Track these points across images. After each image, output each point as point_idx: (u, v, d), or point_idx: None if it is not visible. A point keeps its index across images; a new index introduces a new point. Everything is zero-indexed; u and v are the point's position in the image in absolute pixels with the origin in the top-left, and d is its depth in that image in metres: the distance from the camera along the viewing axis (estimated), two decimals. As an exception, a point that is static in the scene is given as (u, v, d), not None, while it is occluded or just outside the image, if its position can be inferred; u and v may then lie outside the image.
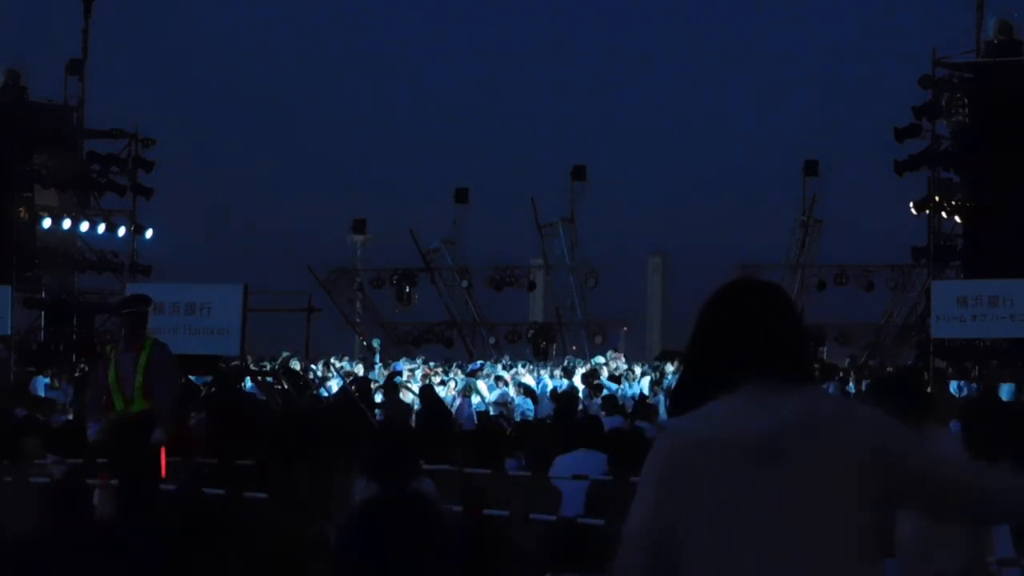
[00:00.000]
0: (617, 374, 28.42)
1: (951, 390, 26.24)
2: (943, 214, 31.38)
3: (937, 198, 30.97)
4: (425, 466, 8.66)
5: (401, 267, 39.39)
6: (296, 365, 27.12)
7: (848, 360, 33.26)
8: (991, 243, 29.39)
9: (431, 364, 32.10)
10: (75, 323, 34.04)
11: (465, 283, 39.16)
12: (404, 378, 26.50)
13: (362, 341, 40.14)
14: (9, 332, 28.71)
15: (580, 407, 20.01)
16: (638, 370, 30.08)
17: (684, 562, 3.42)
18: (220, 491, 10.79)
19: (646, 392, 26.32)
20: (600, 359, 30.75)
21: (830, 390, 20.86)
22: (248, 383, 23.85)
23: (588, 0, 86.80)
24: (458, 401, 24.30)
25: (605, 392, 22.87)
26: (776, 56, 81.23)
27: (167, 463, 11.96)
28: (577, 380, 27.13)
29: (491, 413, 23.06)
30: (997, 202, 29.68)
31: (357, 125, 76.62)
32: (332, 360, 31.94)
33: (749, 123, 79.01)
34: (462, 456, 10.89)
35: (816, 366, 24.70)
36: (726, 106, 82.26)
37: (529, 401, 24.93)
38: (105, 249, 34.26)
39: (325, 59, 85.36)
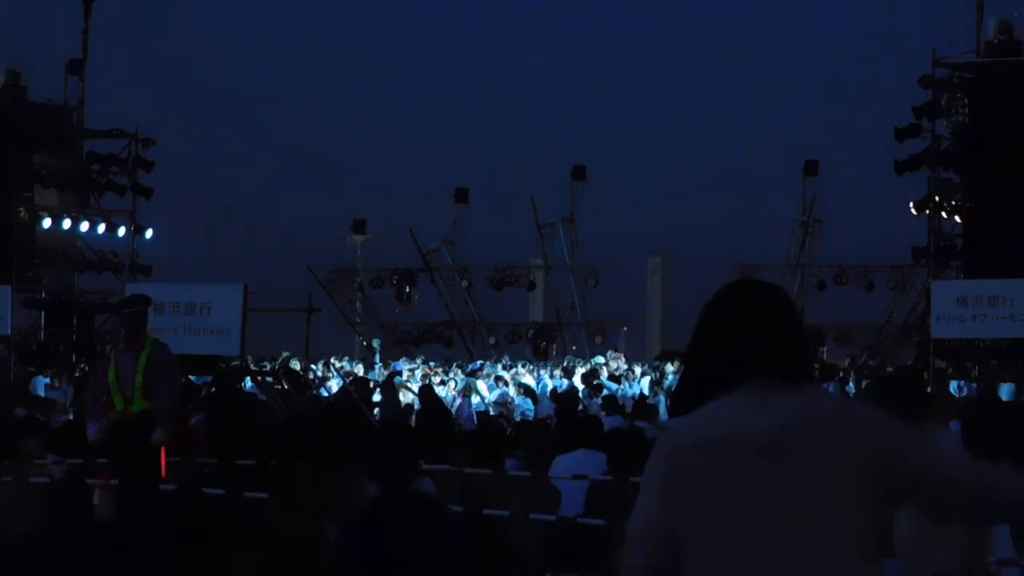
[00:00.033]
0: (617, 374, 28.42)
1: (951, 390, 26.24)
2: (943, 214, 31.37)
3: (937, 198, 30.97)
4: (425, 466, 8.66)
5: (401, 267, 39.38)
6: (296, 365, 27.13)
7: (848, 360, 33.26)
8: (991, 243, 29.38)
9: (431, 364, 32.10)
10: (75, 323, 34.04)
11: (465, 283, 39.16)
12: (404, 378, 26.50)
13: (362, 341, 40.14)
14: (9, 332, 28.72)
15: (580, 407, 20.01)
16: (638, 370, 30.08)
17: (687, 562, 3.42)
18: (220, 491, 10.79)
19: (646, 392, 26.32)
20: (600, 359, 30.75)
21: (830, 390, 20.87)
22: (248, 383, 23.86)
23: (588, 0, 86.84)
24: (458, 401, 24.31)
25: (605, 392, 22.88)
26: (776, 56, 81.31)
27: (167, 463, 11.96)
28: (577, 380, 27.12)
29: (491, 413, 23.06)
30: (997, 202, 29.67)
31: (357, 125, 76.68)
32: (332, 360, 31.94)
33: (749, 123, 79.07)
34: (462, 456, 10.89)
35: (816, 366, 24.73)
36: (726, 106, 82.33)
37: (529, 401, 24.94)
38: (105, 249, 34.26)
39: (325, 59, 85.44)
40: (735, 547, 3.39)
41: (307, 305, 25.35)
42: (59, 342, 33.28)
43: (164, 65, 74.03)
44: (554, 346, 38.32)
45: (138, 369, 11.99)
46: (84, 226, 33.14)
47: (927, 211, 31.23)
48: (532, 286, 39.83)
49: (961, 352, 28.62)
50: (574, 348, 38.77)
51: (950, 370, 28.61)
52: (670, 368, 28.47)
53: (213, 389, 21.76)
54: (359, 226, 44.48)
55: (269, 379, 23.50)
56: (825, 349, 34.94)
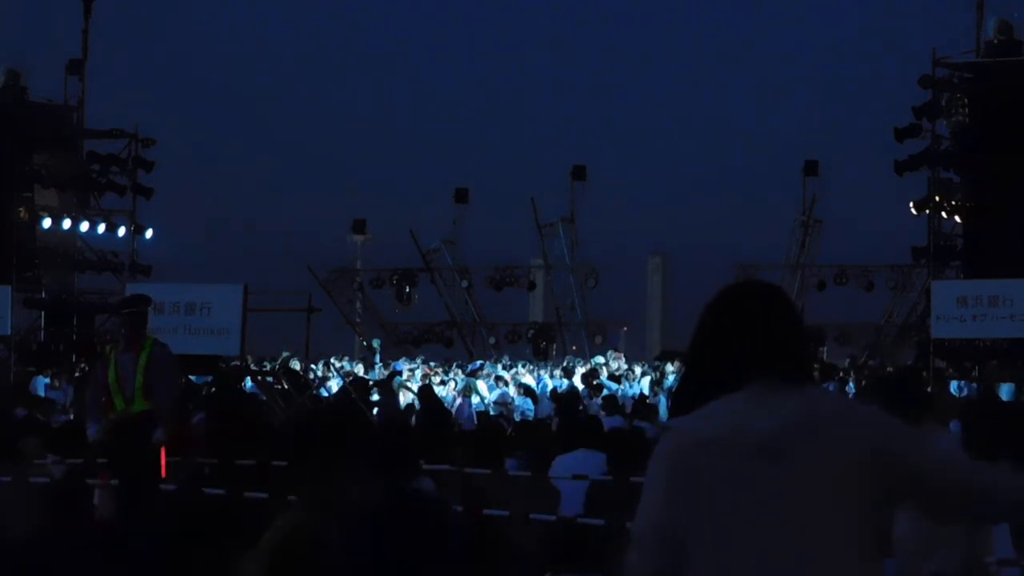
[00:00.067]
0: (617, 374, 28.42)
1: (951, 390, 26.24)
2: (943, 214, 31.36)
3: (937, 198, 30.96)
4: (425, 466, 8.66)
5: (401, 267, 39.37)
6: (296, 365, 27.13)
7: (848, 360, 33.25)
8: (991, 243, 29.38)
9: (431, 364, 32.09)
10: (75, 323, 34.04)
11: (465, 283, 39.15)
12: (404, 378, 26.50)
13: (362, 341, 40.14)
14: (9, 332, 28.72)
15: (580, 407, 20.00)
16: (638, 370, 30.07)
17: (690, 561, 3.43)
18: (220, 491, 10.79)
19: (646, 392, 26.31)
20: (600, 359, 30.74)
21: (830, 390, 20.84)
22: (248, 383, 23.86)
23: (588, 0, 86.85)
24: (458, 401, 24.31)
25: (605, 392, 22.88)
26: (776, 56, 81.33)
27: (167, 463, 11.96)
28: (577, 380, 27.12)
29: (491, 413, 23.06)
30: (997, 202, 29.67)
31: (357, 125, 76.71)
32: (332, 360, 31.94)
33: (749, 123, 79.11)
34: (462, 456, 10.88)
35: (816, 366, 24.72)
36: (726, 106, 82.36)
37: (529, 401, 24.93)
38: (105, 249, 34.25)
39: (325, 59, 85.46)
40: (735, 547, 3.39)
41: (307, 305, 25.34)
42: (59, 342, 33.28)
43: (164, 65, 74.13)
44: (554, 346, 38.31)
45: (138, 369, 11.99)
46: (84, 226, 33.14)
47: (927, 211, 31.23)
48: (532, 286, 39.82)
49: (961, 352, 28.62)
50: (574, 348, 38.76)
51: (950, 370, 28.60)
52: (670, 368, 28.46)
53: (213, 389, 21.77)
54: (359, 226, 44.48)
55: (269, 379, 23.51)
56: (825, 349, 34.94)
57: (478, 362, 30.29)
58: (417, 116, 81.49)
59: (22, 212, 32.62)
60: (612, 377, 27.28)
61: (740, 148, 76.81)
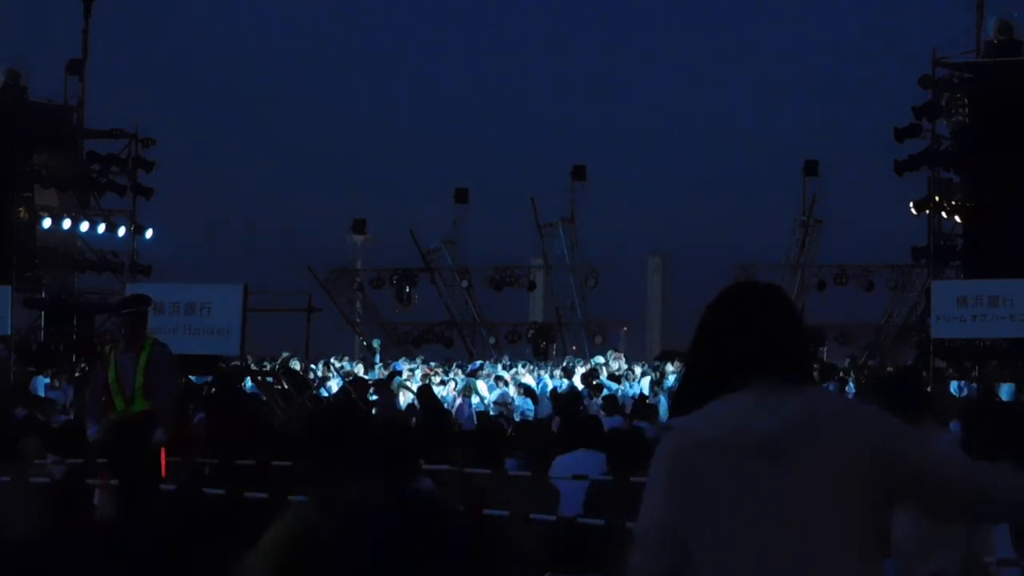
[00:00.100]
0: (618, 374, 28.42)
1: (951, 390, 26.24)
2: (943, 214, 31.35)
3: (937, 198, 30.95)
4: (425, 466, 8.66)
5: (401, 267, 39.37)
6: (296, 365, 27.13)
7: (848, 360, 33.26)
8: (991, 243, 29.37)
9: (431, 364, 32.10)
10: (75, 323, 34.03)
11: (465, 283, 39.15)
12: (404, 378, 26.50)
13: (362, 341, 40.14)
14: (9, 332, 28.72)
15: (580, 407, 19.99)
16: (638, 370, 30.07)
17: (692, 561, 3.43)
18: (220, 491, 10.78)
19: (646, 392, 26.31)
20: (600, 359, 30.74)
21: (830, 390, 20.85)
22: (248, 383, 23.86)
23: (588, 0, 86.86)
24: (458, 401, 24.31)
25: (605, 392, 22.87)
26: (776, 56, 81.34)
27: (167, 463, 11.96)
28: (577, 380, 27.12)
29: (491, 413, 23.06)
30: (997, 202, 29.66)
31: (357, 125, 76.72)
32: (332, 360, 31.94)
33: (749, 123, 79.11)
34: (462, 456, 10.88)
35: (816, 366, 24.72)
36: (726, 106, 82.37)
37: (529, 401, 24.94)
38: (105, 249, 34.24)
39: (325, 59, 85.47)
40: (736, 547, 3.40)
41: (307, 305, 25.34)
42: (59, 342, 33.27)
43: (164, 65, 74.12)
44: (554, 346, 38.31)
45: (138, 369, 11.99)
46: (84, 226, 33.13)
47: (927, 211, 31.22)
48: (532, 286, 39.82)
49: (961, 352, 28.61)
50: (574, 348, 38.76)
51: (950, 370, 28.60)
52: (670, 368, 28.46)
53: (213, 389, 21.77)
54: (359, 226, 44.48)
55: (269, 379, 23.50)
56: (825, 349, 34.93)
57: (478, 362, 30.29)
58: (417, 116, 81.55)
59: (22, 212, 32.62)
60: (612, 377, 27.27)
61: (740, 148, 76.87)
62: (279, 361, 28.45)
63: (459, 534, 4.82)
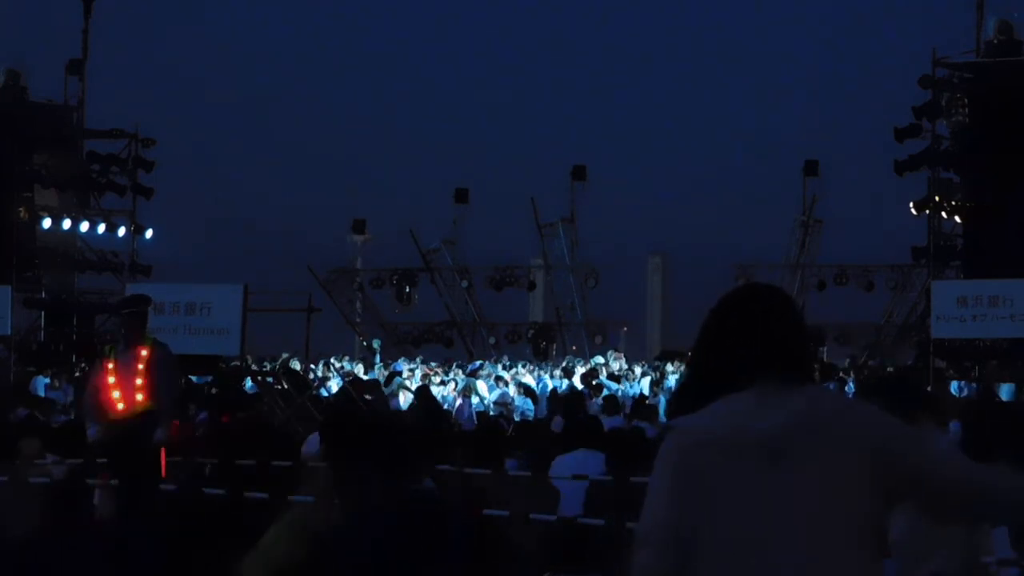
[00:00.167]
0: (618, 374, 28.42)
1: (951, 390, 26.24)
2: (943, 214, 31.34)
3: (937, 198, 30.94)
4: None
5: (401, 267, 39.37)
6: (296, 365, 27.12)
7: (848, 360, 33.25)
8: (991, 243, 29.36)
9: (431, 364, 32.10)
10: (75, 323, 34.02)
11: (465, 283, 39.15)
12: (404, 378, 26.50)
13: (362, 341, 40.14)
14: (9, 332, 28.71)
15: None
16: (638, 370, 30.08)
17: (694, 560, 3.44)
18: (220, 491, 10.78)
19: (646, 392, 26.32)
20: (600, 359, 30.74)
21: (831, 389, 20.84)
22: (248, 383, 23.86)
23: (588, 0, 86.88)
24: (458, 401, 24.31)
25: (605, 392, 22.87)
26: (776, 56, 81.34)
27: (167, 463, 11.96)
28: (577, 380, 27.12)
29: (491, 413, 23.06)
30: (997, 202, 29.65)
31: (357, 125, 76.71)
32: (332, 360, 31.94)
33: (749, 123, 79.13)
34: (462, 456, 10.88)
35: (816, 366, 24.70)
36: (726, 106, 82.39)
37: (529, 401, 24.94)
38: (105, 249, 34.23)
39: (325, 59, 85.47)
40: (737, 546, 3.40)
41: (307, 305, 25.33)
42: (59, 342, 33.26)
43: (164, 65, 74.08)
44: (554, 346, 38.31)
45: (138, 369, 11.99)
46: (84, 226, 33.12)
47: (927, 211, 31.20)
48: (532, 286, 39.82)
49: (961, 352, 28.60)
50: (574, 348, 38.76)
51: (950, 370, 28.59)
52: (670, 368, 28.47)
53: (214, 389, 21.77)
54: (359, 226, 44.47)
55: (269, 379, 23.50)
56: (825, 349, 34.91)
57: (478, 362, 30.29)
58: (417, 116, 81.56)
59: (22, 212, 32.61)
60: (612, 377, 27.27)
61: (740, 148, 76.90)
62: (279, 361, 28.45)
63: (459, 534, 4.82)
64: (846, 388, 25.69)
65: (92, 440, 11.96)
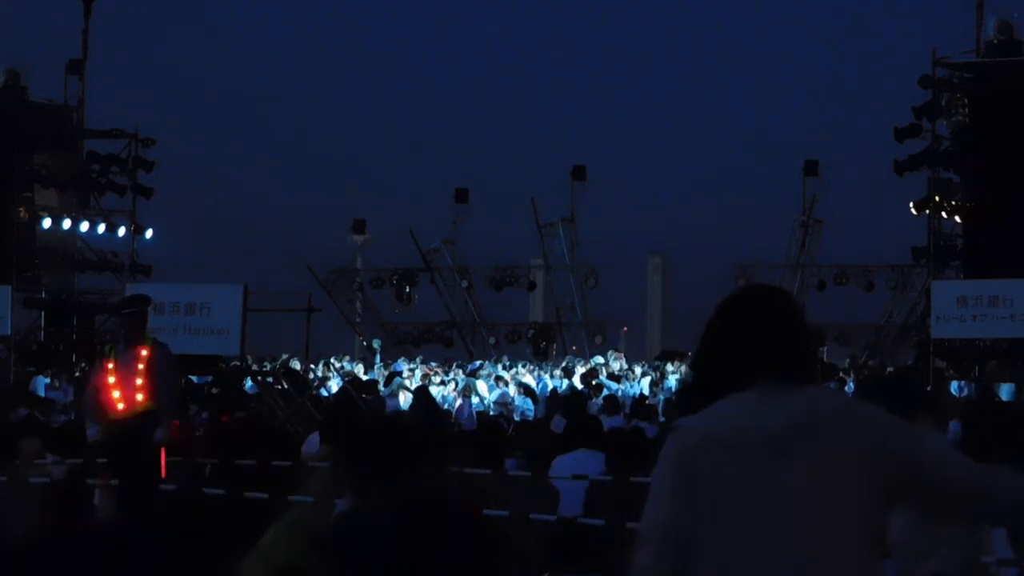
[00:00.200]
0: (618, 374, 28.41)
1: (951, 390, 26.22)
2: (943, 214, 31.34)
3: (937, 198, 30.93)
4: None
5: (401, 267, 39.36)
6: (296, 365, 27.12)
7: (848, 360, 33.23)
8: (991, 243, 29.35)
9: (431, 364, 32.08)
10: (75, 323, 34.00)
11: (465, 283, 39.14)
12: (404, 378, 26.50)
13: (362, 341, 40.13)
14: (9, 332, 28.71)
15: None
16: (638, 370, 30.07)
17: (696, 560, 3.44)
18: (220, 491, 10.78)
19: (646, 392, 26.31)
20: (600, 359, 30.73)
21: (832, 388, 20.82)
22: (248, 383, 23.86)
23: (588, 0, 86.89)
24: (458, 401, 24.30)
25: (605, 392, 22.87)
26: (776, 56, 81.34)
27: (167, 463, 11.95)
28: (577, 380, 27.11)
29: (491, 413, 23.06)
30: (997, 202, 29.64)
31: (357, 125, 76.72)
32: (332, 360, 31.93)
33: (749, 123, 79.14)
34: (462, 456, 10.88)
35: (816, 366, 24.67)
36: (726, 106, 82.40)
37: (529, 401, 24.94)
38: (105, 249, 34.21)
39: (325, 59, 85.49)
40: (738, 546, 3.41)
41: (307, 305, 25.34)
42: (59, 342, 33.25)
43: (164, 65, 74.09)
44: (554, 346, 38.30)
45: (139, 369, 11.99)
46: (84, 226, 33.10)
47: (927, 211, 31.20)
48: (532, 286, 39.81)
49: (961, 352, 28.59)
50: (574, 348, 38.75)
51: (950, 370, 28.59)
52: (670, 368, 28.46)
53: (214, 389, 21.78)
54: (359, 226, 44.45)
55: (269, 379, 23.51)
56: (825, 349, 34.88)
57: (478, 362, 30.29)
58: (417, 116, 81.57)
59: (22, 212, 32.60)
60: (612, 377, 27.27)
61: (740, 148, 76.90)
62: (279, 361, 28.44)
63: (459, 534, 4.82)
64: (846, 388, 25.70)
65: (92, 440, 11.96)
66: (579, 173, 39.12)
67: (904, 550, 5.88)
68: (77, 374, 28.68)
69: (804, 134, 60.66)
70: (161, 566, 6.85)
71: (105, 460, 11.84)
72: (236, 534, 6.70)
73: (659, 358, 33.28)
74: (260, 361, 29.24)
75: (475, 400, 24.27)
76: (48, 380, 26.98)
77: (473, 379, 25.94)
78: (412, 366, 30.68)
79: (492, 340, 38.68)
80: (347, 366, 31.28)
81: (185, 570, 7.59)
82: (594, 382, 25.05)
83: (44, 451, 11.70)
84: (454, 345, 38.55)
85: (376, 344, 34.69)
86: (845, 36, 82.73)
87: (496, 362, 31.42)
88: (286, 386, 22.59)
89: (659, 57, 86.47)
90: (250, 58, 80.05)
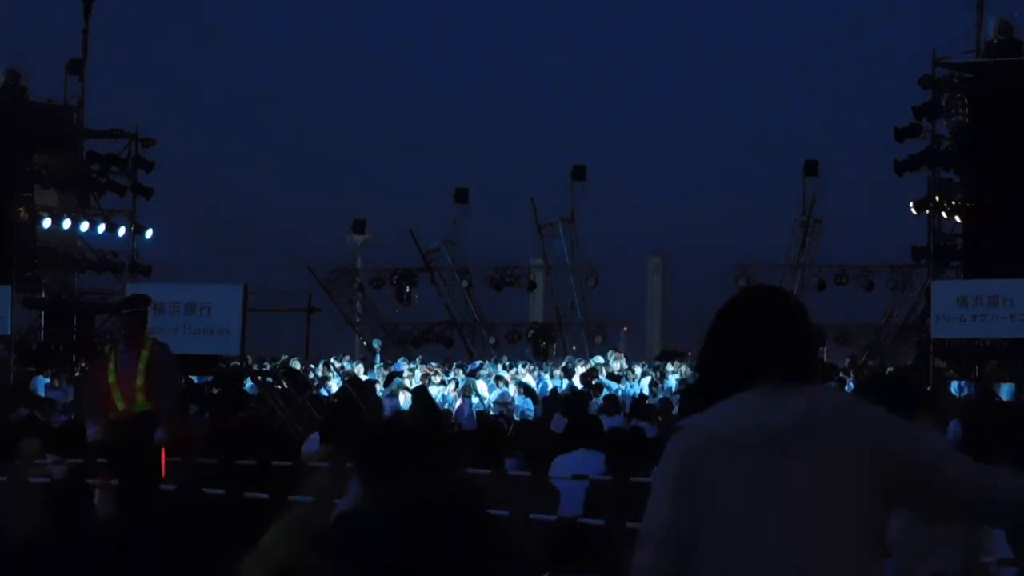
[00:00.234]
0: (619, 374, 28.41)
1: (951, 390, 26.22)
2: (943, 214, 31.34)
3: (937, 198, 30.93)
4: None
5: (401, 267, 39.36)
6: (296, 365, 27.12)
7: (848, 360, 33.24)
8: (991, 243, 29.36)
9: (431, 364, 32.08)
10: (75, 323, 34.01)
11: (465, 283, 39.14)
12: (404, 378, 26.50)
13: (362, 341, 40.13)
14: (9, 332, 28.71)
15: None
16: (638, 370, 30.07)
17: (696, 560, 3.44)
18: (220, 491, 10.78)
19: (646, 392, 26.31)
20: (600, 359, 30.73)
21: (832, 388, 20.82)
22: (248, 383, 23.86)
23: (588, 0, 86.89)
24: (458, 401, 24.30)
25: (605, 392, 22.86)
26: (776, 56, 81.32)
27: (167, 463, 11.95)
28: (577, 380, 27.10)
29: (491, 413, 23.06)
30: (997, 202, 29.65)
31: (357, 125, 76.72)
32: (332, 360, 31.93)
33: (749, 123, 79.14)
34: (462, 456, 10.87)
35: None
36: (726, 106, 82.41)
37: (529, 401, 24.93)
38: (105, 249, 34.22)
39: (325, 59, 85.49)
40: (739, 546, 3.41)
41: (307, 305, 25.34)
42: (59, 342, 33.26)
43: (164, 65, 74.10)
44: (554, 346, 38.30)
45: (138, 369, 11.99)
46: (84, 226, 33.11)
47: (927, 211, 31.20)
48: (532, 286, 39.81)
49: (961, 352, 28.60)
50: (574, 348, 38.75)
51: (950, 370, 28.59)
52: (670, 368, 28.45)
53: (214, 389, 21.78)
54: (359, 226, 44.46)
55: (269, 379, 23.51)
56: (825, 349, 34.89)
57: (478, 362, 30.29)
58: (417, 116, 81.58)
59: (22, 212, 32.60)
60: (612, 377, 27.27)
61: (740, 148, 76.90)
62: (279, 361, 28.44)
63: (459, 534, 4.83)
64: (846, 388, 25.71)
65: (92, 440, 11.96)
66: (579, 173, 39.12)
67: (904, 550, 5.88)
68: (77, 374, 28.69)
69: (804, 134, 60.64)
70: (161, 566, 6.85)
71: (105, 460, 11.84)
72: (236, 534, 6.71)
73: (659, 358, 33.29)
74: (260, 361, 29.24)
75: (475, 400, 24.27)
76: (48, 380, 26.99)
77: (473, 379, 25.94)
78: (412, 366, 30.68)
79: (492, 340, 38.68)
80: (347, 366, 31.28)
81: (185, 570, 7.59)
82: (594, 382, 25.04)
83: (44, 451, 11.69)
84: (454, 345, 38.56)
85: (376, 344, 34.69)
86: (845, 36, 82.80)
87: (496, 362, 31.42)
88: (286, 386, 22.59)
89: (659, 57, 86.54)
90: (250, 58, 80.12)
